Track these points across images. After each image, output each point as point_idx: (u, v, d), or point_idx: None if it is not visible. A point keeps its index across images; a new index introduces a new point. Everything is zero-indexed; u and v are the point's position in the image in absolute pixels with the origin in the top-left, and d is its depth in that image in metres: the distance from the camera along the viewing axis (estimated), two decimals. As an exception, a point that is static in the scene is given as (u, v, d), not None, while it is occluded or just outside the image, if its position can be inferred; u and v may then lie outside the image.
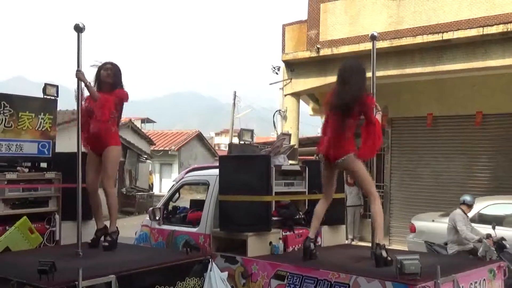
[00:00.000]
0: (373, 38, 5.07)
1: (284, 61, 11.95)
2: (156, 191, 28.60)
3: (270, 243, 5.00)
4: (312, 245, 4.64)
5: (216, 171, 5.47)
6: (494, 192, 10.45)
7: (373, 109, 4.54)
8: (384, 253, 4.26)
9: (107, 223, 5.07)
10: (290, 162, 5.99)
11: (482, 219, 8.83)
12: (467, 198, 7.97)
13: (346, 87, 4.45)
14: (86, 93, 4.75)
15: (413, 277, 3.66)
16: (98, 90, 4.87)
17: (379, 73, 9.02)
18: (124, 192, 20.53)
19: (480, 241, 7.26)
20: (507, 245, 7.16)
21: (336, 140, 4.51)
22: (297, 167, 5.64)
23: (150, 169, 30.89)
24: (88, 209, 5.15)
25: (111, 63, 5.00)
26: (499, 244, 7.15)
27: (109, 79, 4.90)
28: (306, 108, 15.62)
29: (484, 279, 4.32)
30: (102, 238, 4.99)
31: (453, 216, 7.82)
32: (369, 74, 5.03)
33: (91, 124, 4.86)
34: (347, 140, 4.50)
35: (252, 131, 6.02)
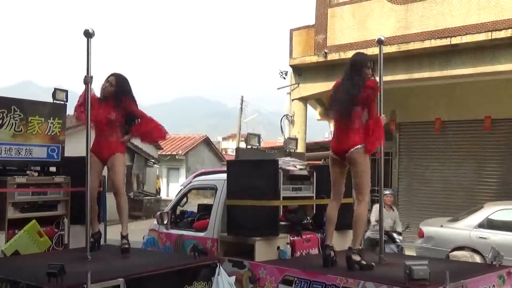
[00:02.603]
0: (380, 42, 5.05)
1: (292, 66, 11.97)
2: (163, 195, 28.66)
3: (278, 247, 4.99)
4: (332, 253, 4.57)
5: (224, 175, 5.47)
6: (503, 197, 10.37)
7: (375, 100, 4.53)
8: (357, 258, 4.29)
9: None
10: (298, 166, 5.98)
11: (491, 224, 8.76)
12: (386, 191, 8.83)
13: (354, 80, 4.47)
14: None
15: (422, 282, 3.64)
16: (104, 99, 4.94)
17: (387, 78, 9.02)
18: (132, 197, 20.58)
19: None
20: (398, 240, 8.18)
21: (345, 133, 4.48)
22: (305, 172, 5.63)
23: (157, 174, 30.91)
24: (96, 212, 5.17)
25: (113, 74, 5.05)
26: (390, 236, 8.07)
27: (109, 89, 4.96)
28: (314, 112, 15.60)
29: (494, 285, 4.28)
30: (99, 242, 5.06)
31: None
32: (376, 79, 5.04)
33: (99, 131, 4.91)
34: (356, 131, 4.46)
35: (259, 136, 6.02)
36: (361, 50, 10.47)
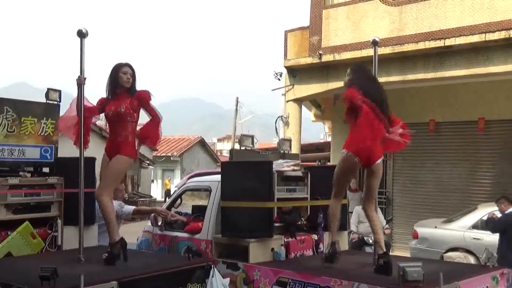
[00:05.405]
0: (374, 43, 5.07)
1: (286, 67, 11.97)
2: (158, 197, 28.60)
3: (272, 249, 4.98)
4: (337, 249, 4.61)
5: (218, 177, 5.46)
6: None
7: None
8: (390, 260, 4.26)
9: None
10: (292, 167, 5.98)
11: (485, 225, 8.79)
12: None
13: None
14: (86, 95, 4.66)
15: (415, 284, 3.64)
16: (114, 94, 4.65)
17: (382, 79, 8.98)
18: (126, 198, 20.49)
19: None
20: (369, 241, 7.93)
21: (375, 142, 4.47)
22: (299, 173, 5.63)
23: (169, 177, 30.97)
24: (90, 214, 5.14)
25: (129, 65, 4.69)
26: (363, 241, 8.15)
27: (128, 84, 4.64)
28: (309, 114, 15.62)
29: (487, 286, 4.29)
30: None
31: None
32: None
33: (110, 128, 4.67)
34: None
35: (252, 137, 6.00)
36: (356, 52, 10.58)
